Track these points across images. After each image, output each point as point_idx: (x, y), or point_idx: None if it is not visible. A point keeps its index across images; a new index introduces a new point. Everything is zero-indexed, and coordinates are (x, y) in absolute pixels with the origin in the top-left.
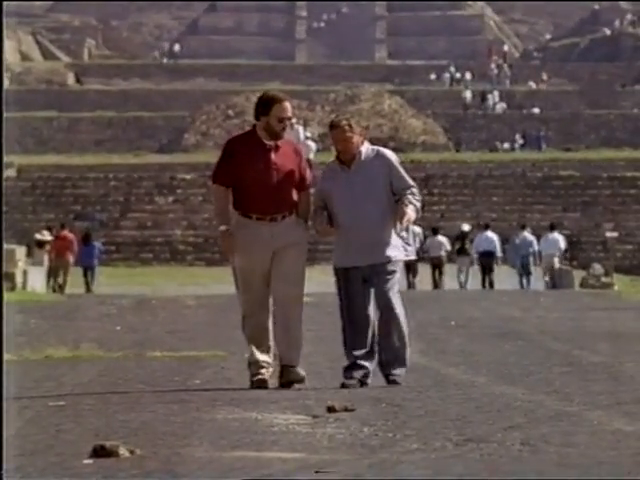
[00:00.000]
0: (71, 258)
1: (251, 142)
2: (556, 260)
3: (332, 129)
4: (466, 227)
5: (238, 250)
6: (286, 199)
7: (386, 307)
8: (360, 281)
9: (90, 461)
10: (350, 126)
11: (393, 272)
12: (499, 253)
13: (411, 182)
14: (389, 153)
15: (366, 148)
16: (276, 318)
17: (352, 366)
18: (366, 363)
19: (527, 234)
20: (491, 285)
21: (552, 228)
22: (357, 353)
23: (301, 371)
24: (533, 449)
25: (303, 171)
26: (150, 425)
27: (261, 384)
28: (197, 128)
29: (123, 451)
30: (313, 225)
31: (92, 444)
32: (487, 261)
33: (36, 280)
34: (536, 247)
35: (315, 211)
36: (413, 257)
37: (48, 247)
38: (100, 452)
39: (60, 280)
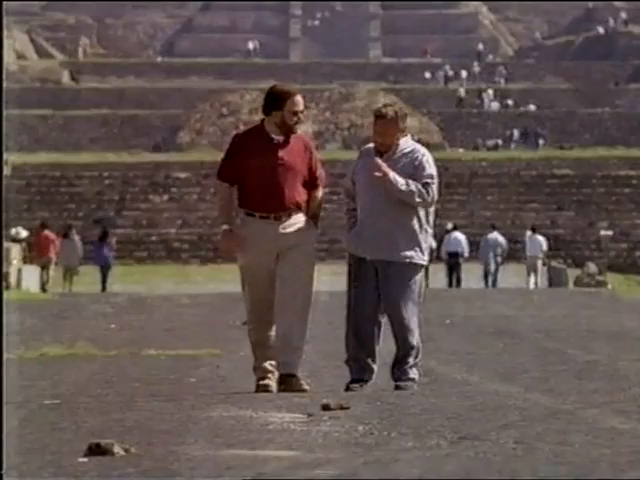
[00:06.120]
0: (53, 257)
1: (258, 137)
2: (539, 262)
3: (377, 118)
4: (449, 226)
5: (242, 249)
6: (293, 196)
7: (394, 316)
8: (372, 275)
9: (85, 459)
10: (396, 120)
11: (409, 278)
12: (466, 254)
13: (426, 180)
14: (422, 150)
15: (404, 142)
16: (278, 323)
17: (358, 369)
18: (371, 364)
19: (497, 234)
20: (458, 283)
21: (533, 230)
22: (363, 357)
23: (303, 382)
24: (528, 447)
25: (314, 168)
26: (145, 423)
27: (266, 389)
28: (191, 126)
29: (118, 449)
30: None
31: (87, 442)
32: (454, 261)
33: (30, 279)
34: (505, 247)
35: (347, 207)
36: (426, 262)
37: (24, 244)
38: (95, 450)
39: (44, 278)
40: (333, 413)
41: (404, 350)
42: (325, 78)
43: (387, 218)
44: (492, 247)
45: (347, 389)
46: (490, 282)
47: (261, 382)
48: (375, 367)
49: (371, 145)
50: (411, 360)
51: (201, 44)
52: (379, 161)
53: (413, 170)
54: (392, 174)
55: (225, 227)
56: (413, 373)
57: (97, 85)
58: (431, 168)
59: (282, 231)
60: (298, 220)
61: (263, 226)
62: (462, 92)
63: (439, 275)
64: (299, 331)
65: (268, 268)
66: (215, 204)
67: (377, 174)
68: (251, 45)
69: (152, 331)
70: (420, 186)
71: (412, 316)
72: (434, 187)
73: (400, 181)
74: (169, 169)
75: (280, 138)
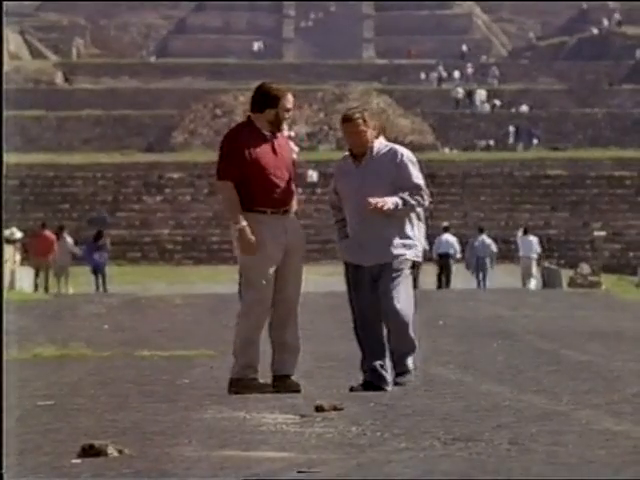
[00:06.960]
0: (51, 258)
1: (252, 134)
2: (534, 263)
3: (344, 122)
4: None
5: (257, 248)
6: (292, 191)
7: (388, 309)
8: (369, 280)
9: (79, 460)
10: (364, 120)
11: (399, 270)
12: (458, 255)
13: (417, 182)
14: (402, 150)
15: (379, 143)
16: (285, 324)
17: (371, 375)
18: (381, 370)
19: (485, 237)
20: (447, 284)
21: (525, 232)
22: (374, 363)
23: (297, 381)
24: (521, 448)
25: (295, 164)
26: (139, 424)
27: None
28: (185, 127)
29: (112, 450)
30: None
31: (81, 443)
32: (445, 262)
33: (24, 280)
34: (494, 249)
35: (335, 219)
36: (420, 258)
37: (18, 245)
38: (89, 451)
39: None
40: (326, 414)
41: (398, 343)
42: (319, 79)
43: (377, 222)
44: (480, 251)
45: (351, 389)
46: (481, 285)
47: (248, 378)
48: (388, 372)
49: (346, 153)
50: (407, 352)
51: (195, 44)
52: (372, 200)
53: (395, 169)
54: (388, 203)
55: (243, 224)
56: (410, 364)
57: (90, 86)
58: (415, 167)
59: (289, 226)
60: (293, 215)
61: (274, 222)
62: (460, 92)
63: (429, 276)
64: (297, 332)
65: (275, 266)
66: (221, 204)
67: (371, 208)
68: (256, 46)
69: (146, 332)
70: (413, 193)
71: (405, 309)
72: (424, 187)
73: (398, 202)
74: (162, 170)
75: (269, 134)
